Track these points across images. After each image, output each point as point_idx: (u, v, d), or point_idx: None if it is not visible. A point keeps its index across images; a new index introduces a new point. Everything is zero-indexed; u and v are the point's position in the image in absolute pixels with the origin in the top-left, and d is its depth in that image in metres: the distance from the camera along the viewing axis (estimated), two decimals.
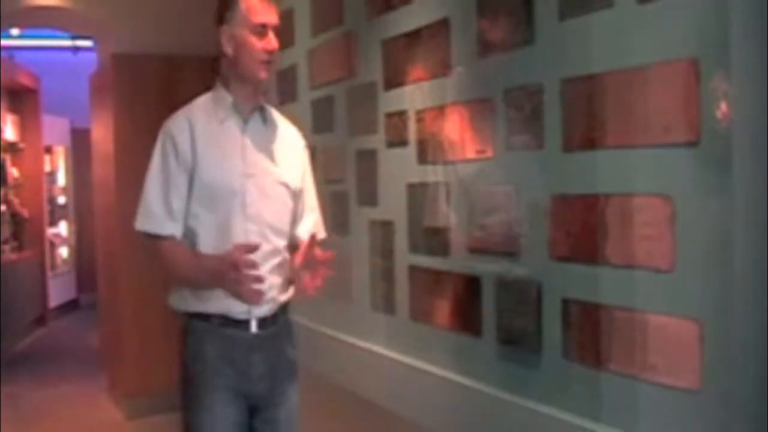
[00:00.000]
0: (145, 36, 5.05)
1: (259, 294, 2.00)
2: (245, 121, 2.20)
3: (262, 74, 2.16)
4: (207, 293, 2.13)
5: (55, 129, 9.13)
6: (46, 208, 8.75)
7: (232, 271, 1.96)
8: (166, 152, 2.17)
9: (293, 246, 2.25)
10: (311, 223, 2.32)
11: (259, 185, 2.17)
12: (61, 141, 9.44)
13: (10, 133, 8.09)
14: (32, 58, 8.81)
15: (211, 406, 2.16)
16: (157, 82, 4.96)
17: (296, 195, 2.26)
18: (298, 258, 2.08)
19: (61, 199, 9.50)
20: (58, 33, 7.80)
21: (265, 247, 2.14)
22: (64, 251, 9.48)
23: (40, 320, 8.37)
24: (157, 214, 2.17)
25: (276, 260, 2.19)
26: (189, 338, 2.20)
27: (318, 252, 2.03)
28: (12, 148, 8.11)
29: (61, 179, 9.54)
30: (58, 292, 9.04)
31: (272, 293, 2.17)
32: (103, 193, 5.48)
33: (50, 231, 8.96)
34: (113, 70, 5.04)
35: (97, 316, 6.49)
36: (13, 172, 8.17)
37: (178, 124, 2.19)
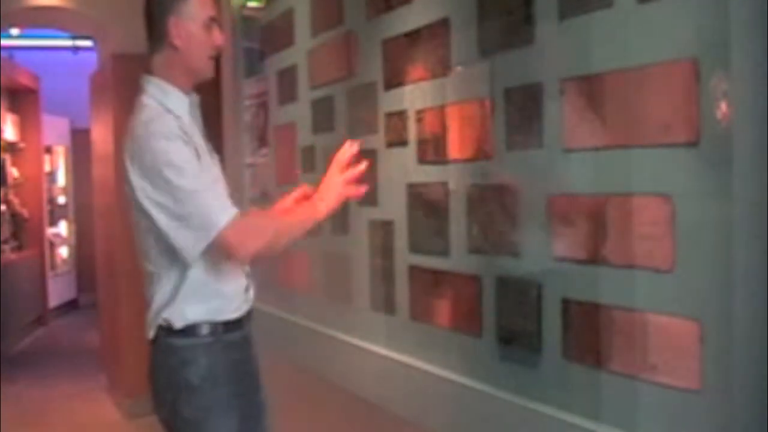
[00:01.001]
0: (145, 36, 5.05)
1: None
2: (194, 116, 2.19)
3: (210, 70, 2.14)
4: (204, 304, 2.11)
5: (55, 129, 9.14)
6: (46, 207, 8.77)
7: (345, 172, 2.06)
8: (186, 147, 2.05)
9: None
10: None
11: (222, 178, 2.24)
12: (60, 141, 9.45)
13: (10, 133, 8.10)
14: (32, 58, 8.83)
15: (229, 419, 2.12)
16: None
17: None
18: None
19: (61, 199, 9.52)
20: (58, 33, 7.80)
21: None
22: (64, 251, 9.49)
23: (40, 320, 8.38)
24: (222, 203, 2.05)
25: None
26: (192, 356, 2.11)
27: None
28: (12, 148, 8.12)
29: (61, 179, 9.55)
30: (58, 292, 9.05)
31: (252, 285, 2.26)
32: (103, 193, 5.48)
33: (50, 231, 8.97)
34: (113, 70, 5.05)
35: (96, 316, 6.49)
36: (13, 172, 8.18)
37: (168, 122, 2.08)
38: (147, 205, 2.03)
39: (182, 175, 1.99)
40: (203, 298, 2.12)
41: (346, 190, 2.14)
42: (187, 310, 2.11)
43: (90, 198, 6.29)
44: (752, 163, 1.54)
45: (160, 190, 1.99)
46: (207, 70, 2.14)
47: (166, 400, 2.12)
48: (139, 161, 2.03)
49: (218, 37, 2.12)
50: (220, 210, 2.01)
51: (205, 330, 2.12)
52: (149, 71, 2.18)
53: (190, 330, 2.11)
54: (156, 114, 2.10)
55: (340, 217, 3.19)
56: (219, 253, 2.04)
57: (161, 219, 2.02)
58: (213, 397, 2.09)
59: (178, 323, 2.11)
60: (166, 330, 2.12)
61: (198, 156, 2.08)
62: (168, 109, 2.12)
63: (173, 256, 2.06)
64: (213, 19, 2.11)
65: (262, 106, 4.10)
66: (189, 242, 2.00)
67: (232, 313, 2.16)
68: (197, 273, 2.09)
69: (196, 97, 2.23)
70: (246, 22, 4.29)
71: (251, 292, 2.27)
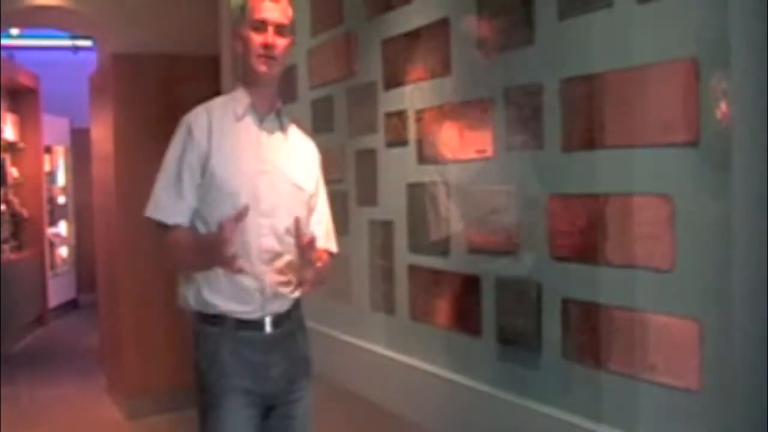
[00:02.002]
0: (145, 36, 5.05)
1: (234, 260, 1.96)
2: (261, 120, 2.23)
3: (261, 67, 2.18)
4: (219, 294, 2.14)
5: (54, 129, 9.13)
6: (46, 207, 8.76)
7: (220, 239, 1.94)
8: (182, 141, 2.20)
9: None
10: (323, 227, 2.33)
11: (272, 183, 2.19)
12: (60, 141, 9.44)
13: (10, 133, 8.09)
14: (32, 58, 8.81)
15: (231, 411, 2.14)
16: (157, 82, 4.96)
17: (309, 200, 2.28)
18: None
19: (61, 199, 9.51)
20: (58, 33, 7.79)
21: (276, 247, 2.16)
22: (63, 251, 9.48)
23: (40, 320, 8.37)
24: (167, 203, 2.18)
25: (287, 258, 2.18)
26: (203, 342, 2.19)
27: (317, 257, 2.08)
28: (12, 147, 8.11)
29: (61, 179, 9.54)
30: (58, 292, 9.04)
31: (277, 289, 2.17)
32: (103, 193, 5.48)
33: (50, 231, 8.96)
34: (113, 70, 5.05)
35: (96, 316, 6.49)
36: (12, 171, 8.18)
37: (195, 115, 2.23)
38: None
39: (165, 155, 2.22)
40: (216, 288, 2.15)
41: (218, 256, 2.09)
42: (203, 293, 2.17)
43: (90, 198, 6.29)
44: (752, 163, 1.54)
45: None
46: (256, 68, 2.20)
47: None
48: None
49: (266, 37, 2.18)
50: (155, 205, 2.18)
51: (213, 319, 2.16)
52: None
53: (203, 316, 2.18)
54: (201, 106, 2.29)
55: (341, 218, 3.20)
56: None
57: None
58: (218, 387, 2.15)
59: (195, 305, 2.20)
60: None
61: (199, 148, 2.16)
62: (205, 107, 2.27)
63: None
64: (263, 21, 2.18)
65: None
66: None
67: (246, 312, 2.15)
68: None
69: (264, 102, 2.25)
70: None
71: (279, 299, 2.19)
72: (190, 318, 2.22)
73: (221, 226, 1.93)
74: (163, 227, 2.18)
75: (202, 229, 2.15)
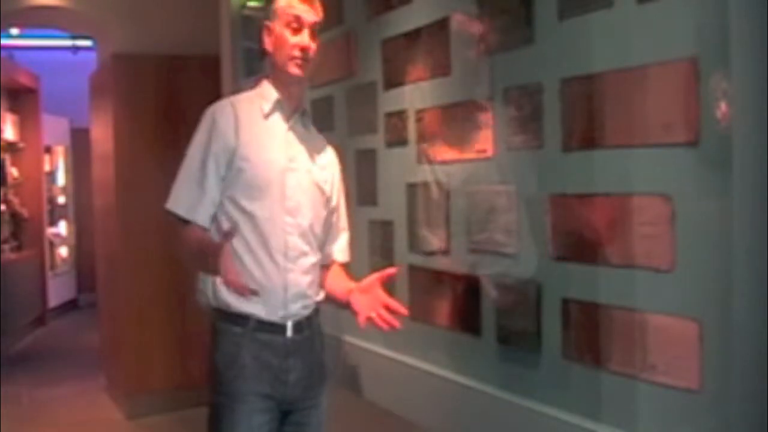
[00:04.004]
0: (145, 36, 5.06)
1: (245, 289, 2.00)
2: (288, 118, 2.19)
3: (293, 69, 2.13)
4: (242, 265, 2.08)
5: (54, 129, 9.13)
6: (46, 207, 8.76)
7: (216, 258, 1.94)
8: (207, 132, 2.14)
9: (324, 263, 2.27)
10: (345, 244, 2.33)
11: (299, 181, 2.15)
12: (60, 141, 9.44)
13: (10, 133, 8.09)
14: (32, 58, 8.81)
15: (246, 414, 2.09)
16: (157, 82, 4.96)
17: (329, 205, 2.25)
18: (341, 284, 2.18)
19: (61, 199, 9.51)
20: (58, 33, 7.79)
21: (301, 246, 2.14)
22: (63, 251, 9.48)
23: (40, 320, 8.37)
24: (189, 196, 2.11)
25: (310, 261, 2.17)
26: (222, 341, 2.12)
27: (392, 304, 2.07)
28: (12, 147, 8.11)
29: (61, 179, 9.54)
30: (58, 292, 9.04)
31: (299, 291, 2.14)
32: (103, 193, 5.47)
33: (50, 231, 8.96)
34: (113, 70, 5.05)
35: (96, 316, 6.49)
36: (12, 171, 8.18)
37: (222, 107, 2.17)
38: None
39: (190, 146, 2.16)
40: (239, 258, 2.09)
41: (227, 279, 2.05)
42: (221, 292, 2.11)
43: (90, 198, 6.29)
44: (752, 163, 1.54)
45: None
46: (289, 70, 2.15)
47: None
48: None
49: (302, 39, 2.13)
50: (176, 198, 2.13)
51: (234, 319, 2.10)
52: None
53: (223, 315, 2.13)
54: (226, 99, 2.25)
55: None
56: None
57: None
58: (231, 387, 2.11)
59: (213, 301, 2.15)
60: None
61: (226, 141, 2.11)
62: (231, 100, 2.22)
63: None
64: (298, 19, 2.14)
65: None
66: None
67: (267, 313, 2.10)
68: (237, 259, 2.10)
69: (291, 101, 2.22)
70: (246, 21, 4.29)
71: (301, 301, 2.17)
72: (208, 315, 2.17)
73: (219, 247, 1.92)
74: (182, 220, 2.12)
75: (224, 225, 2.08)
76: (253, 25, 4.24)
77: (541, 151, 2.09)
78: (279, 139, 2.16)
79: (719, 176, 1.59)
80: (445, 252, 2.53)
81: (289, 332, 2.13)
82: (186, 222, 2.12)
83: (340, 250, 2.34)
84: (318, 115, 3.44)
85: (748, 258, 1.54)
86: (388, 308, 2.07)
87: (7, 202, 7.83)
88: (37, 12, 5.20)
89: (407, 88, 2.74)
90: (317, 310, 2.24)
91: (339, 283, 2.28)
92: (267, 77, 2.23)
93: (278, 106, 2.18)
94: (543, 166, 2.09)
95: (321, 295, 2.25)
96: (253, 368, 2.09)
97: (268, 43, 2.18)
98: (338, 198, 2.33)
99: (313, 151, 2.24)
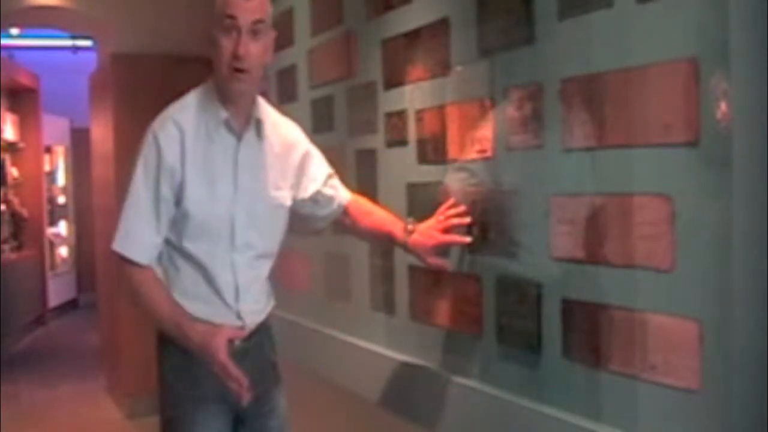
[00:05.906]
0: (145, 36, 5.05)
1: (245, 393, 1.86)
2: (239, 137, 2.00)
3: (233, 83, 1.88)
4: (187, 303, 2.00)
5: (54, 129, 9.14)
6: (46, 207, 8.76)
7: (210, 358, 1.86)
8: (154, 167, 1.95)
9: (337, 215, 2.31)
10: (340, 184, 2.31)
11: (249, 212, 2.02)
12: (60, 141, 9.45)
13: (10, 133, 8.10)
14: (32, 58, 8.82)
15: (198, 422, 2.02)
16: (157, 82, 4.94)
17: (301, 204, 2.21)
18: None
19: (61, 199, 9.51)
20: (58, 33, 7.80)
21: (252, 272, 2.06)
22: (63, 251, 9.48)
23: (40, 320, 8.37)
24: (142, 238, 1.97)
25: (258, 286, 2.11)
26: (168, 348, 2.05)
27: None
28: (12, 147, 8.11)
29: (61, 179, 9.55)
30: (58, 292, 9.05)
31: (254, 318, 2.10)
32: (103, 193, 5.48)
33: (50, 231, 8.96)
34: (113, 70, 5.05)
35: (96, 316, 6.49)
36: (12, 171, 8.18)
37: (167, 132, 1.97)
38: None
39: (133, 178, 2.00)
40: (183, 297, 2.01)
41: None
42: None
43: (90, 198, 6.29)
44: (752, 163, 1.54)
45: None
46: (227, 83, 1.89)
47: None
48: None
49: (238, 44, 1.83)
50: (129, 241, 1.98)
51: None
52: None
53: None
54: (165, 115, 2.03)
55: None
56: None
57: None
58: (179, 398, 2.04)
59: None
60: None
61: (172, 176, 1.94)
62: (176, 119, 1.99)
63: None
64: (232, 18, 1.86)
65: None
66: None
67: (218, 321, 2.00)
68: (183, 269, 2.02)
69: (240, 116, 2.00)
70: None
71: (250, 315, 2.09)
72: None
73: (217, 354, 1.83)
74: (129, 262, 1.98)
75: (175, 243, 1.99)
76: None
77: (541, 151, 2.09)
78: (227, 167, 1.98)
79: (719, 176, 1.59)
80: (445, 252, 2.53)
81: (238, 341, 2.02)
82: (133, 263, 1.99)
83: (345, 194, 2.32)
84: (318, 115, 3.44)
85: (748, 258, 1.54)
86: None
87: (7, 202, 7.83)
88: (37, 12, 5.20)
89: (407, 88, 2.73)
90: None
91: (380, 217, 2.36)
92: (212, 84, 2.02)
93: (226, 125, 1.97)
94: (543, 166, 2.09)
95: (269, 309, 2.19)
96: (204, 376, 1.96)
97: (209, 50, 1.93)
98: (314, 171, 2.19)
99: (270, 164, 2.06)
